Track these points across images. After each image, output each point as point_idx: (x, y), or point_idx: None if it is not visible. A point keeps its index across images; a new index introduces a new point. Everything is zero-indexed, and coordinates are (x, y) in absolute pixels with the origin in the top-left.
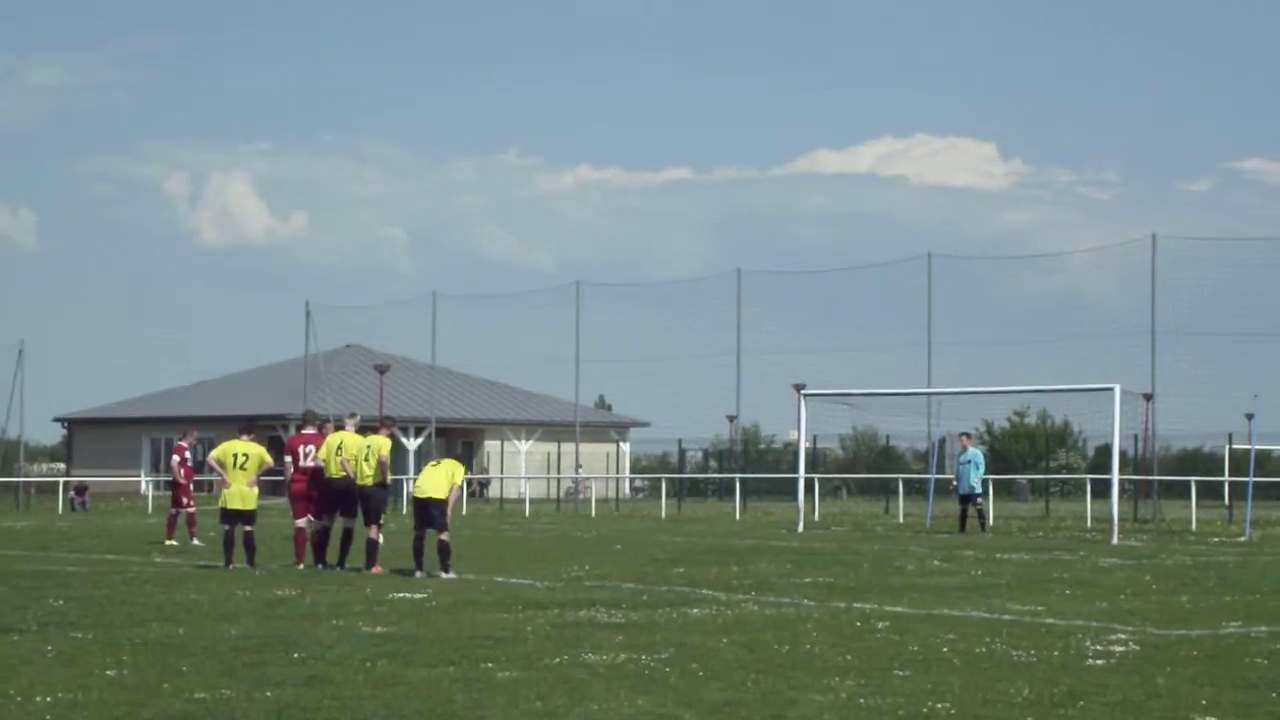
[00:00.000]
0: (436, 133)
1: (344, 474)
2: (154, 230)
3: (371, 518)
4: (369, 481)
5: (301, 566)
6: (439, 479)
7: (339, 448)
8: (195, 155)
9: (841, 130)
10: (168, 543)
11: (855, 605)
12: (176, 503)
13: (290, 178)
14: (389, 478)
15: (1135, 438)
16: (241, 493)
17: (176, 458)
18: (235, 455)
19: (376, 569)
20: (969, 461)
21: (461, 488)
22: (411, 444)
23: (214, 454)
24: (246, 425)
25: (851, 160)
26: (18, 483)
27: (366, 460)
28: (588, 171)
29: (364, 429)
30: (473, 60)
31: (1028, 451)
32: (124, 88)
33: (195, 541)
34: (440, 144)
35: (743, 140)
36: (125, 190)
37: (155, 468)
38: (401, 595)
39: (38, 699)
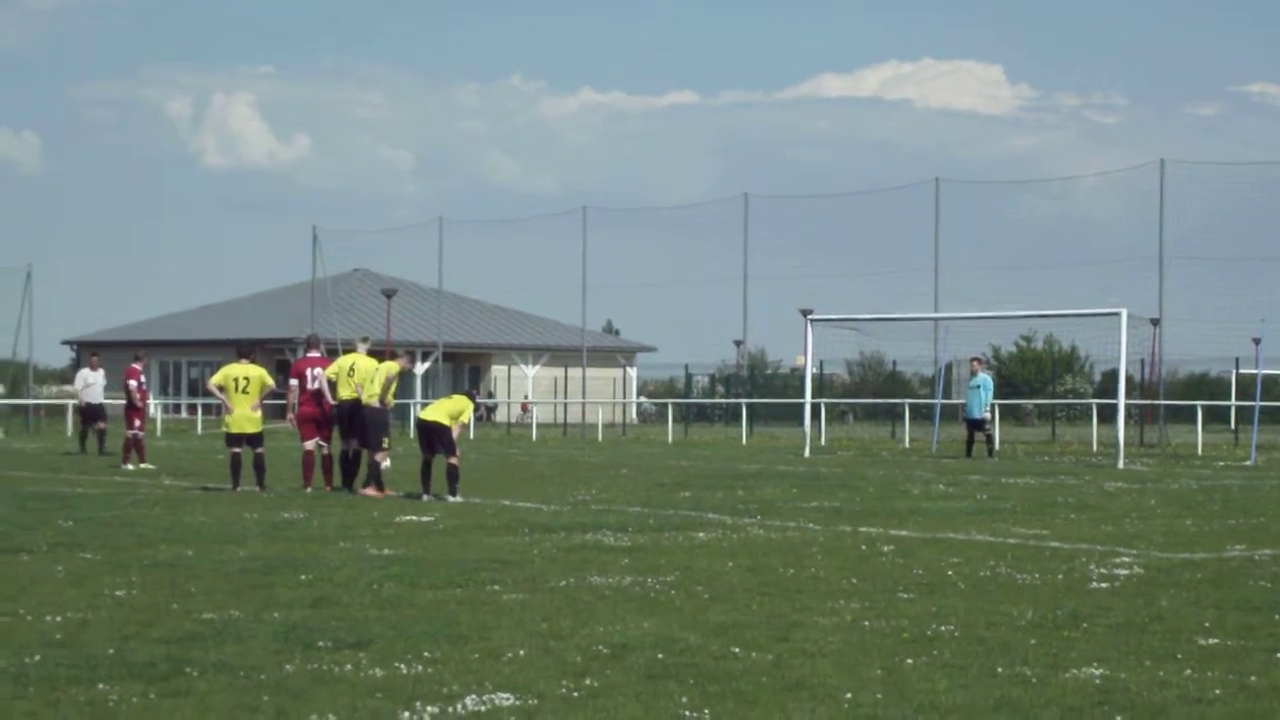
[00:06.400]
0: (440, 57)
1: (353, 395)
2: (157, 153)
3: (373, 442)
4: (374, 401)
5: (309, 490)
6: (443, 406)
7: (351, 369)
8: (197, 78)
9: (846, 53)
10: (124, 467)
11: (860, 529)
12: (130, 424)
13: (293, 101)
14: (390, 398)
15: (1142, 362)
16: (246, 416)
17: (133, 381)
18: (236, 379)
19: (369, 490)
20: (979, 386)
21: (466, 425)
22: (419, 368)
23: (214, 379)
24: (246, 348)
25: (856, 84)
26: (27, 405)
27: (374, 381)
28: (591, 95)
29: (375, 353)
30: None
31: (1034, 376)
32: (124, 11)
33: (142, 464)
34: (443, 68)
35: (747, 63)
36: (127, 113)
37: (164, 391)
38: (408, 518)
39: (48, 618)
